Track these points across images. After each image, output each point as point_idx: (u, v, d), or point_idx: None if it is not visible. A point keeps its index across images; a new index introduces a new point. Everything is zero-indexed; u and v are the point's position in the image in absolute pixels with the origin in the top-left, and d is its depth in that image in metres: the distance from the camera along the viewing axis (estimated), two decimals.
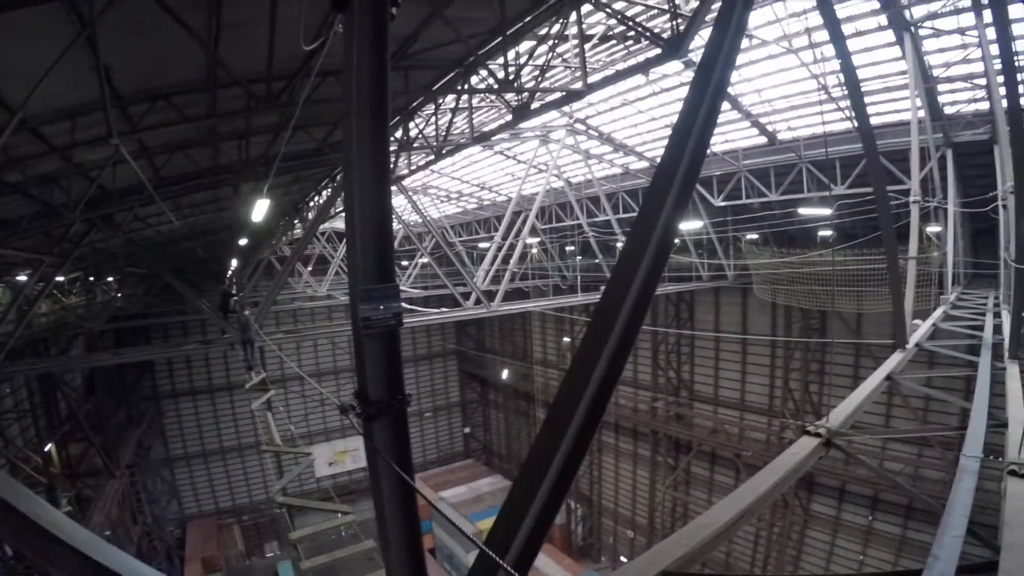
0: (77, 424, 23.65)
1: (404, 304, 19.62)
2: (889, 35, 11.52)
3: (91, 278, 25.64)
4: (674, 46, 7.26)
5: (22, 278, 16.09)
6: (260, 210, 10.86)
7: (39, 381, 23.18)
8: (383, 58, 2.44)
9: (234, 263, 19.15)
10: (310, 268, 27.17)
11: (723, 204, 18.45)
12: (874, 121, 12.18)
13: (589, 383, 2.42)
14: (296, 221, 20.23)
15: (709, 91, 2.76)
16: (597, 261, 20.65)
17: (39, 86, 5.35)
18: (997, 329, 9.41)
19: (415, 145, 12.37)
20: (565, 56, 10.46)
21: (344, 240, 25.30)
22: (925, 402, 17.04)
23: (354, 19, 2.42)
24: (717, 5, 7.60)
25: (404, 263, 27.05)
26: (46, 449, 21.94)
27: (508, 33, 8.33)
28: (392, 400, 2.41)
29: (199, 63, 6.78)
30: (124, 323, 26.33)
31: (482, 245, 26.56)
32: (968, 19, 10.55)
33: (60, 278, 19.60)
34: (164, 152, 9.49)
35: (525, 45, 9.65)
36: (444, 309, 17.20)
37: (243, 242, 18.34)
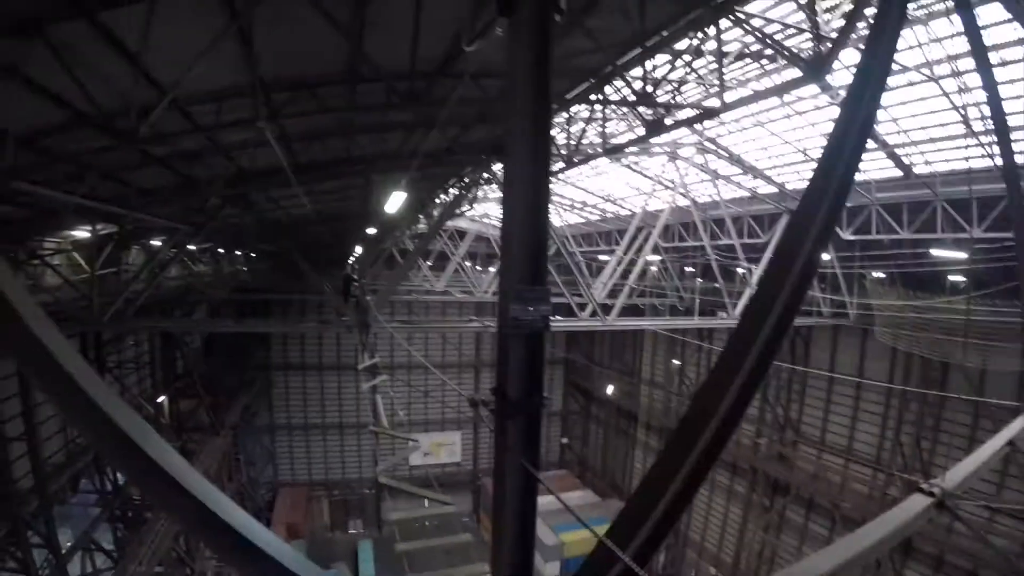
0: (191, 382, 25.48)
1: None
2: None
3: (220, 250, 27.50)
4: (815, 68, 7.03)
5: (157, 243, 17.19)
6: (394, 202, 11.26)
7: (161, 338, 25.21)
8: (546, 63, 2.53)
9: (358, 250, 19.99)
10: (430, 263, 27.86)
11: (851, 238, 17.54)
12: (1020, 159, 11.32)
13: (718, 410, 2.44)
14: (421, 215, 20.81)
15: (858, 121, 2.72)
16: (716, 285, 20.10)
17: (190, 69, 5.75)
18: None
19: None
20: (701, 72, 10.31)
21: (463, 238, 26.08)
22: None
23: (520, 24, 2.52)
24: (861, 26, 7.36)
25: None
26: (159, 400, 23.99)
27: (647, 45, 8.30)
28: (530, 400, 2.50)
29: (342, 57, 7.11)
30: (246, 295, 27.88)
31: (602, 257, 26.50)
32: None
33: (192, 247, 21.23)
34: (302, 139, 10.02)
35: (661, 59, 9.57)
36: (558, 317, 17.06)
37: (369, 231, 19.05)
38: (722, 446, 2.49)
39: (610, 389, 36.40)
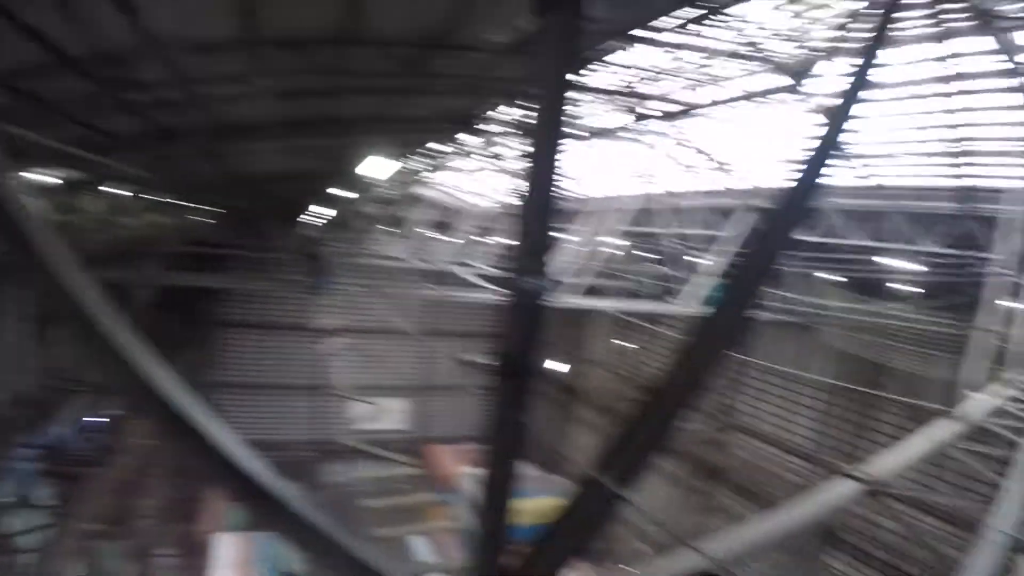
0: (139, 334, 24.68)
1: (478, 281, 20.05)
2: (1008, 97, 11.21)
3: (183, 202, 26.78)
4: (799, 78, 7.31)
5: (120, 192, 16.60)
6: (366, 166, 11.28)
7: (111, 290, 24.25)
8: (572, 62, 2.75)
9: (320, 210, 19.76)
10: (393, 229, 27.62)
11: (805, 239, 18.18)
12: (977, 183, 11.96)
13: (677, 394, 2.72)
14: (386, 180, 20.72)
15: (835, 132, 2.99)
16: (672, 272, 20.51)
17: (180, 19, 5.79)
18: None
19: None
20: (684, 67, 10.50)
21: (423, 205, 25.85)
22: (961, 477, 16.58)
23: (553, 25, 2.70)
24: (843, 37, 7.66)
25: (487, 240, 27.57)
26: None
27: (632, 35, 8.44)
28: (528, 363, 2.74)
29: (336, 16, 7.07)
30: (204, 248, 27.22)
31: (562, 237, 26.71)
32: None
33: (154, 198, 20.65)
34: (286, 97, 9.93)
35: (644, 49, 9.69)
36: None
37: (333, 192, 18.84)
38: (677, 429, 2.78)
39: (555, 366, 36.76)
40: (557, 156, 2.71)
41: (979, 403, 9.31)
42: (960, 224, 13.51)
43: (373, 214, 16.86)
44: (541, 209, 2.68)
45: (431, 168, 16.79)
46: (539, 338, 2.74)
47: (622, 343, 32.47)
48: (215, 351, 35.44)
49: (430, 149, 15.35)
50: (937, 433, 7.81)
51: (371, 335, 33.01)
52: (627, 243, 25.17)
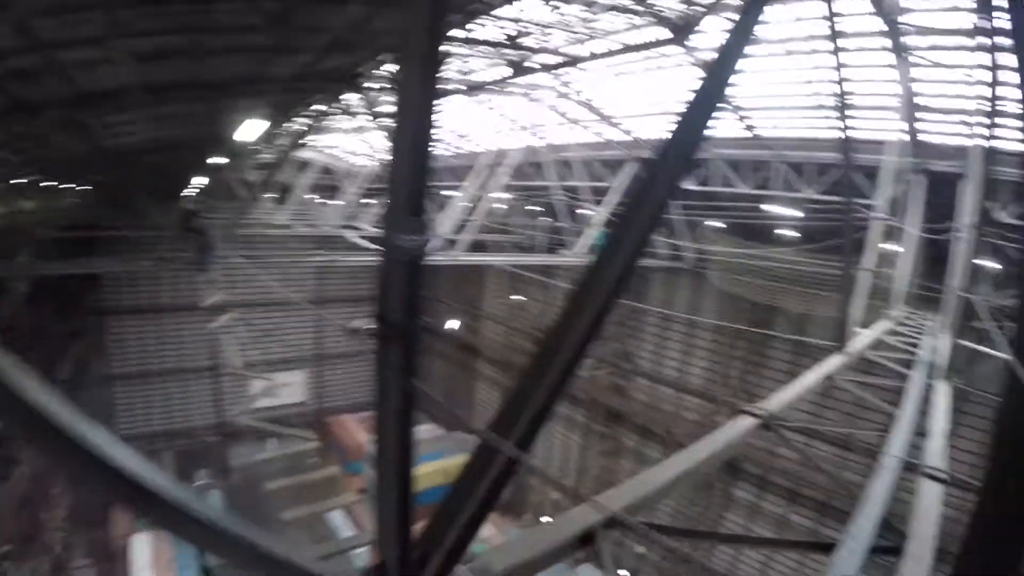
0: (17, 334, 23.02)
1: (366, 244, 19.61)
2: (885, 56, 11.84)
3: (49, 183, 24.77)
4: (683, 32, 7.40)
5: None
6: (242, 131, 10.72)
7: None
8: (442, 11, 2.57)
9: (199, 181, 18.77)
10: (274, 195, 26.47)
11: (692, 188, 18.79)
12: (855, 135, 12.64)
13: (569, 344, 2.69)
14: (266, 145, 19.87)
15: (717, 85, 3.00)
16: (561, 224, 20.75)
17: None
18: (934, 350, 10.04)
19: None
20: (568, 20, 10.47)
21: (308, 169, 25.07)
22: (855, 407, 17.87)
23: None
24: None
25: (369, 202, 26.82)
26: None
27: None
28: (411, 324, 2.61)
29: None
30: (76, 233, 25.42)
31: (448, 193, 26.53)
32: (962, 57, 10.91)
33: (18, 180, 18.99)
34: (149, 60, 9.23)
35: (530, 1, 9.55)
36: None
37: (212, 161, 17.93)
38: (573, 377, 2.76)
39: (452, 324, 36.90)
40: (429, 110, 2.57)
41: (865, 338, 9.90)
42: (840, 173, 14.33)
43: (255, 181, 16.11)
44: (414, 164, 2.53)
45: (314, 129, 16.15)
46: (419, 298, 2.62)
47: (517, 297, 32.70)
48: (102, 342, 33.39)
49: (312, 110, 14.70)
50: (828, 368, 8.27)
51: (262, 308, 31.95)
52: (515, 197, 25.28)
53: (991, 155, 10.18)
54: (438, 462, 25.81)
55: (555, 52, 10.13)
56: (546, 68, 9.95)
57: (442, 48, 2.62)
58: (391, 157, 2.57)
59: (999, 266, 13.76)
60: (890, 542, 4.42)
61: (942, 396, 7.95)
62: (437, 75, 2.62)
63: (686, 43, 10.56)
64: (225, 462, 29.81)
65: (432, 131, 2.58)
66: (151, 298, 33.85)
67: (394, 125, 2.63)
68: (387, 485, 2.87)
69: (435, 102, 2.59)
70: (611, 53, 9.04)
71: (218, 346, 12.43)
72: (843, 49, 7.70)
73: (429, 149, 2.59)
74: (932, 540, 4.43)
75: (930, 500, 5.09)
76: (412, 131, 2.53)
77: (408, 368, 2.68)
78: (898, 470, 5.48)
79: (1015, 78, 8.80)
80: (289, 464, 26.30)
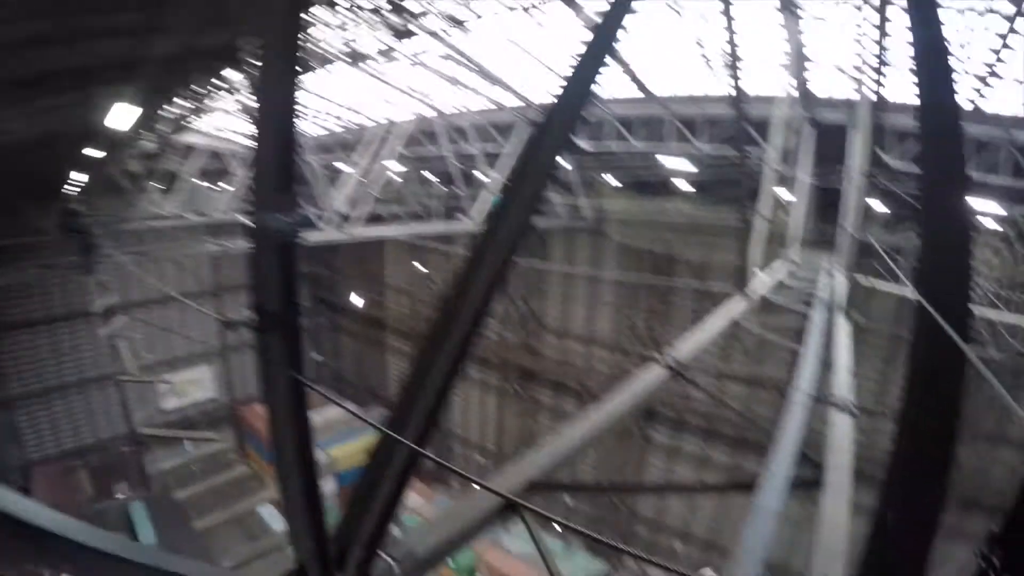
0: None
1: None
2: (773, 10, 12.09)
3: None
4: None
5: None
6: (118, 118, 9.99)
7: None
8: None
9: (78, 177, 17.45)
10: (160, 185, 24.61)
11: (586, 146, 19.01)
12: (745, 89, 13.02)
13: (468, 308, 2.62)
14: (148, 132, 18.66)
15: (604, 43, 2.95)
16: (458, 192, 20.63)
17: None
18: (831, 289, 10.57)
19: None
20: None
21: (194, 154, 23.85)
22: (760, 348, 18.76)
23: None
24: None
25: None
26: None
27: None
28: (288, 312, 2.45)
29: None
30: None
31: (342, 167, 25.80)
32: (850, 12, 11.33)
33: None
34: (11, 48, 8.44)
35: None
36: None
37: (88, 154, 16.72)
38: (475, 340, 2.69)
39: (357, 300, 36.42)
40: (292, 81, 2.39)
41: (765, 281, 10.30)
42: (732, 127, 14.86)
43: (139, 172, 15.14)
44: (279, 138, 2.35)
45: (197, 111, 15.26)
46: (296, 283, 2.46)
47: (419, 267, 32.56)
48: None
49: (192, 90, 13.86)
50: (731, 311, 8.55)
51: (159, 305, 30.44)
52: (409, 168, 24.96)
53: (879, 105, 10.75)
54: (358, 442, 25.59)
55: (440, 15, 9.86)
56: (431, 33, 9.68)
57: (305, 15, 2.46)
58: (254, 133, 2.39)
59: (888, 209, 14.72)
60: (809, 475, 4.62)
61: (843, 331, 8.35)
62: (298, 43, 2.46)
63: (574, 1, 10.54)
64: (143, 472, 28.41)
65: (296, 103, 2.42)
66: (43, 308, 31.26)
67: (256, 98, 2.45)
68: (291, 483, 2.73)
69: (298, 72, 2.43)
70: (497, 14, 8.88)
71: (115, 351, 11.74)
72: (731, 3, 7.82)
73: (293, 122, 2.42)
74: (848, 470, 4.66)
75: (842, 431, 5.36)
76: (275, 104, 2.36)
77: (292, 358, 2.52)
78: (809, 405, 5.72)
79: (902, 29, 9.23)
80: (206, 466, 25.36)
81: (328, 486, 26.10)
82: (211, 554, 21.29)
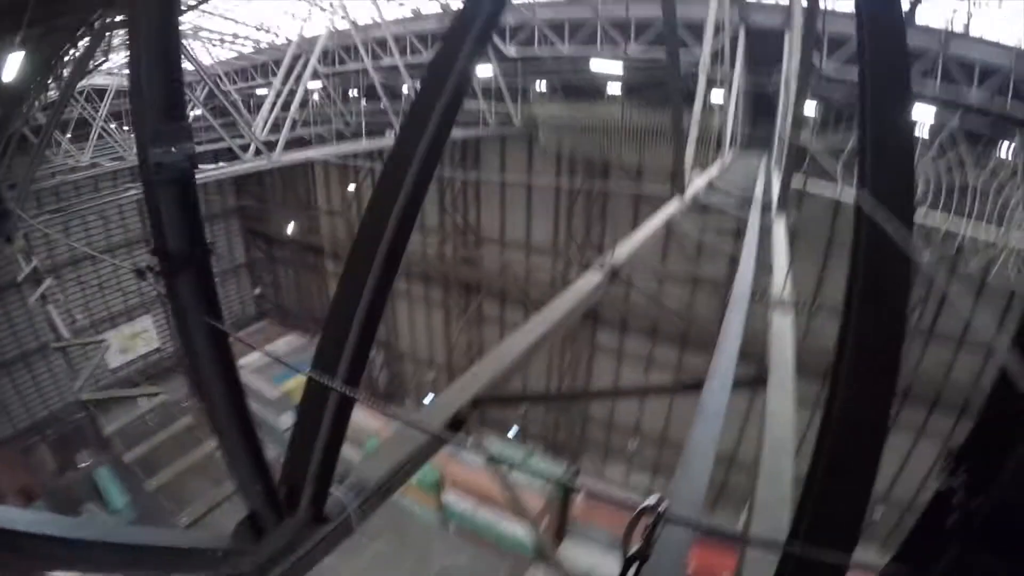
0: None
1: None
2: None
3: None
4: None
5: None
6: (11, 68, 9.15)
7: None
8: None
9: None
10: (69, 135, 23.45)
11: (514, 53, 18.53)
12: None
13: (387, 226, 2.51)
14: (50, 81, 17.32)
15: None
16: (382, 106, 20.04)
17: None
18: (767, 188, 10.70)
19: None
20: None
21: (104, 97, 22.47)
22: (698, 249, 19.11)
23: None
24: None
25: None
26: None
27: None
28: (194, 251, 2.28)
29: None
30: None
31: (260, 92, 24.58)
32: None
33: None
34: None
35: None
36: (221, 164, 15.97)
37: None
38: (400, 255, 2.59)
39: (291, 228, 35.75)
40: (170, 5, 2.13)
41: (700, 183, 10.34)
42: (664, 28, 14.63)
43: (45, 125, 14.08)
44: (163, 63, 2.10)
45: (101, 51, 14.17)
46: (198, 219, 2.28)
47: (350, 187, 32.04)
48: None
49: (93, 27, 12.78)
50: (668, 214, 8.58)
51: (89, 262, 29.45)
52: (330, 85, 24.08)
53: (812, 11, 10.72)
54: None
55: None
56: None
57: None
58: (131, 61, 2.15)
59: (822, 111, 14.93)
60: (753, 373, 4.75)
61: (779, 231, 8.50)
62: None
63: None
64: (101, 436, 27.82)
65: (178, 17, 2.17)
66: None
67: (129, 25, 2.19)
68: (227, 432, 2.63)
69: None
70: None
71: (50, 318, 11.19)
72: None
73: (176, 42, 2.18)
74: (791, 366, 4.80)
75: (783, 329, 5.49)
76: (150, 25, 2.10)
77: (205, 299, 2.37)
78: (749, 304, 5.83)
79: None
80: (161, 418, 24.97)
81: (285, 421, 26.19)
82: (181, 504, 21.30)
